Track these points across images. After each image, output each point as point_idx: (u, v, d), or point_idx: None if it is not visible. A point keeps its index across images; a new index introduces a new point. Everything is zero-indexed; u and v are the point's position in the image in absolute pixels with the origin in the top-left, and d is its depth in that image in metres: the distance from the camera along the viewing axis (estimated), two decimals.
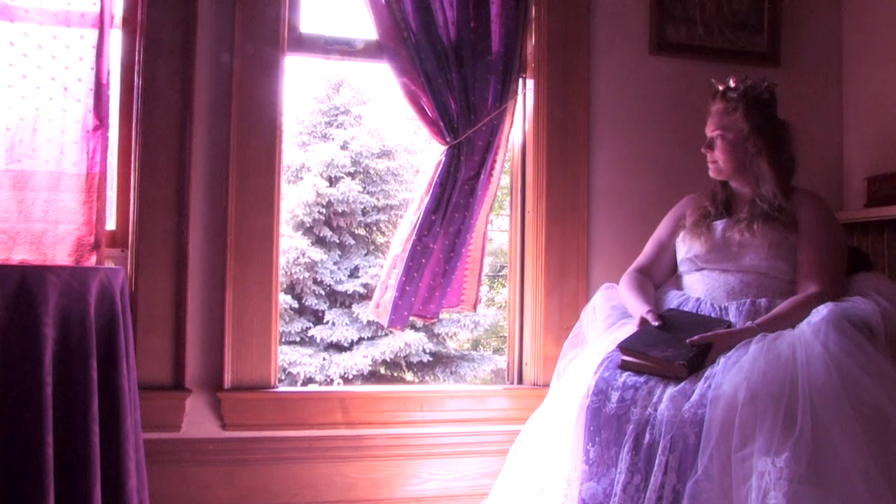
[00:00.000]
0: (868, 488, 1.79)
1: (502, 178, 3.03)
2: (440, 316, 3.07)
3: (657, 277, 2.58)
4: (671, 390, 2.04)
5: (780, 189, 2.41)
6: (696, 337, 2.15)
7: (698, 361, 2.11)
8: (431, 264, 2.91)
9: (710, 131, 2.48)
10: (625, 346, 2.19)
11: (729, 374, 1.99)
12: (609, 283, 2.65)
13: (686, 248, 2.48)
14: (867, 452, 1.83)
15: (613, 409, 2.09)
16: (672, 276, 2.58)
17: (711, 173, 2.51)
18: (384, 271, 2.97)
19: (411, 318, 2.98)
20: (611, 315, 2.49)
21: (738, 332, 2.17)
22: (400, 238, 2.94)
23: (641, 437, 2.02)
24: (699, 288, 2.41)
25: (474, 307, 3.08)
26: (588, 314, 2.58)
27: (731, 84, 2.46)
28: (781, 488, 1.80)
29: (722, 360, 2.07)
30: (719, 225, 2.44)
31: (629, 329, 2.33)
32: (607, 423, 2.10)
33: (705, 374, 2.06)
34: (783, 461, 1.81)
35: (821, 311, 2.09)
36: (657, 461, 1.96)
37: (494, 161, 2.95)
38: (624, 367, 2.18)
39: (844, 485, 1.80)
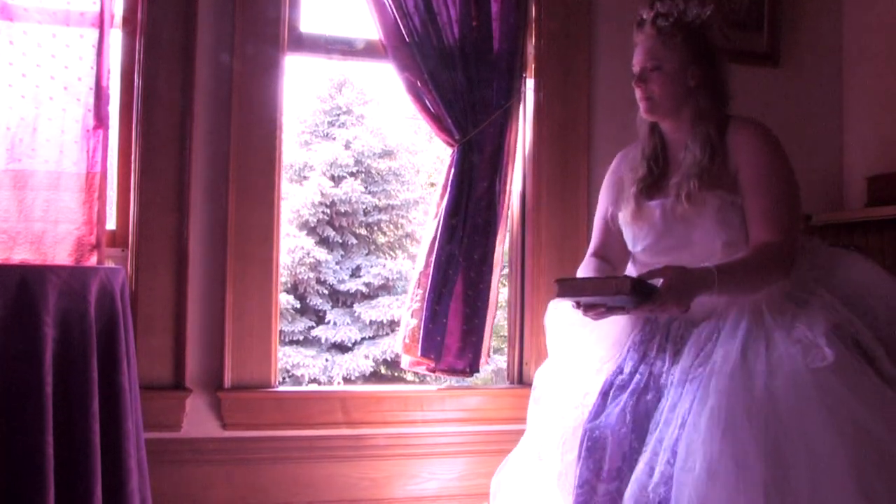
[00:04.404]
0: None
1: None
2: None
3: (615, 258, 2.34)
4: (639, 468, 1.87)
5: (716, 124, 2.15)
6: (645, 272, 1.96)
7: (646, 289, 1.89)
8: (457, 286, 2.86)
9: (642, 62, 2.17)
10: (561, 278, 2.02)
11: (690, 440, 1.79)
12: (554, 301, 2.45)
13: (631, 240, 2.25)
14: None
15: (601, 502, 1.94)
16: (628, 251, 2.33)
17: (644, 112, 2.21)
18: (409, 296, 2.93)
19: (444, 378, 2.93)
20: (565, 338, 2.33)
21: (692, 270, 1.93)
22: (422, 252, 2.92)
23: None
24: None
25: (487, 359, 2.98)
26: (549, 342, 2.42)
27: (662, 10, 2.17)
28: None
29: (681, 419, 1.86)
30: (656, 208, 2.17)
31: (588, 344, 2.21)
32: None
33: (663, 442, 1.86)
34: None
35: (822, 352, 1.83)
36: None
37: (506, 172, 2.94)
38: (560, 293, 1.97)
39: None
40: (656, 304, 1.89)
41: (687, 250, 2.12)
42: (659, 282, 1.90)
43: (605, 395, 2.08)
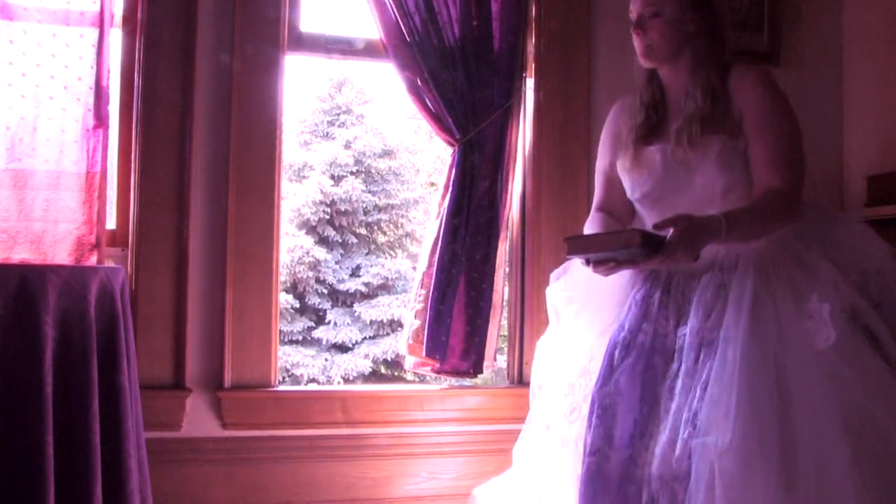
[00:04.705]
0: None
1: None
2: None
3: (619, 211, 2.30)
4: (662, 441, 1.87)
5: (717, 70, 2.11)
6: (657, 221, 1.93)
7: (655, 240, 1.87)
8: (461, 286, 2.86)
9: (640, 8, 2.13)
10: (569, 236, 2.02)
11: (710, 412, 1.81)
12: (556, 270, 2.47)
13: (630, 187, 2.19)
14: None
15: (614, 469, 1.93)
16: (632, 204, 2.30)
17: (641, 57, 2.17)
18: (412, 296, 2.92)
19: (446, 379, 2.92)
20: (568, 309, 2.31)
21: (700, 218, 1.90)
22: (425, 252, 2.92)
23: (640, 498, 1.88)
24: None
25: (493, 363, 2.98)
26: (550, 311, 2.40)
27: None
28: None
29: (699, 390, 1.87)
30: (657, 153, 2.13)
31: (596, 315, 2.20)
32: (606, 485, 1.93)
33: (684, 414, 1.86)
34: None
35: (828, 331, 1.83)
36: None
37: (508, 171, 2.94)
38: (570, 251, 1.98)
39: None
40: (666, 254, 1.86)
41: (686, 195, 2.09)
42: (667, 233, 1.88)
43: (610, 356, 2.07)
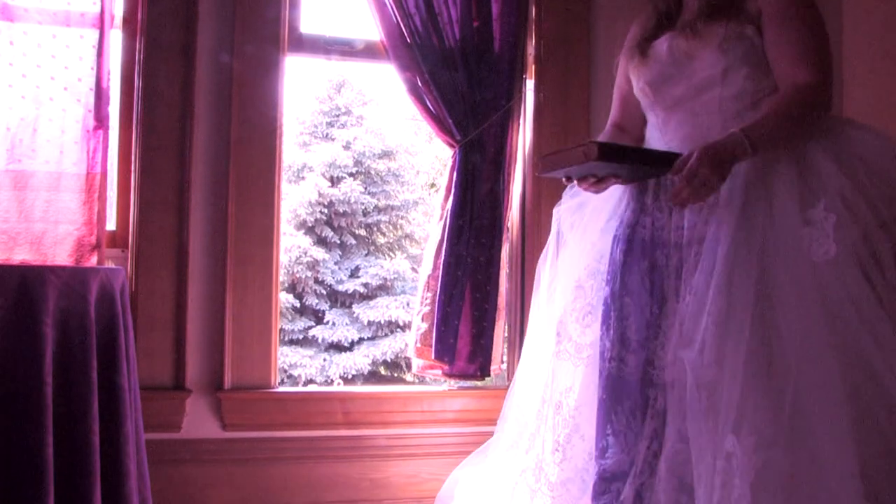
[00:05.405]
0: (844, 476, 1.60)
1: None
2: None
3: (635, 129, 2.21)
4: (668, 354, 1.85)
5: None
6: (663, 150, 1.85)
7: (653, 157, 1.82)
8: (467, 288, 2.86)
9: None
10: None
11: (690, 321, 1.78)
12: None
13: (636, 79, 2.11)
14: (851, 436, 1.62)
15: (632, 373, 1.91)
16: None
17: None
18: (418, 299, 2.92)
19: (446, 380, 2.92)
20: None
21: (721, 143, 1.78)
22: (429, 255, 2.92)
23: (655, 402, 1.87)
24: (661, 138, 2.07)
25: (500, 367, 2.99)
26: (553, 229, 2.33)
27: None
28: (748, 478, 1.61)
29: (689, 295, 1.81)
30: (664, 42, 2.04)
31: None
32: (628, 390, 1.91)
33: (676, 319, 1.84)
34: (751, 446, 1.62)
35: (828, 245, 1.72)
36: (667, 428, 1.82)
37: (509, 172, 2.95)
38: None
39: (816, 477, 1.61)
40: (686, 179, 1.77)
41: (687, 80, 2.00)
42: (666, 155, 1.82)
43: (613, 254, 2.04)
